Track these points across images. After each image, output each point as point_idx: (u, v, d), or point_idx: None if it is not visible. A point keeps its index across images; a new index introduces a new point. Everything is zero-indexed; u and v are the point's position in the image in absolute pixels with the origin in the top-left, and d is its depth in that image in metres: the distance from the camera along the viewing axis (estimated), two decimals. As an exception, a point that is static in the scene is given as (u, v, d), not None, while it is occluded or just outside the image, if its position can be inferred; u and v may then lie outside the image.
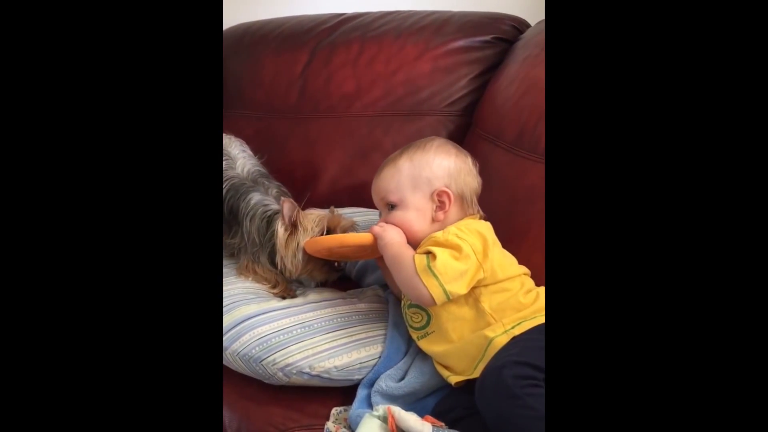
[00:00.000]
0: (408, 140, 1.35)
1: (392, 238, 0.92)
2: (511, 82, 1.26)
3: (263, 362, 0.90)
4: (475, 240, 0.87)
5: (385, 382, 0.90)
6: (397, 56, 1.41)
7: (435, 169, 0.95)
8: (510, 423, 0.69)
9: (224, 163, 1.17)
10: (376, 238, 0.93)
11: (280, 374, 0.90)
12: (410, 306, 0.93)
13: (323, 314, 0.96)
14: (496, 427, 0.72)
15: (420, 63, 1.39)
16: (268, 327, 0.92)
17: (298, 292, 1.08)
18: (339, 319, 0.96)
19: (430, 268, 0.84)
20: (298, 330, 0.92)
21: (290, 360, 0.90)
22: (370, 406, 0.89)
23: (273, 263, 1.05)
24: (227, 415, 0.95)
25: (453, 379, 0.87)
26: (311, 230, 1.01)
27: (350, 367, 0.91)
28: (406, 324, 0.95)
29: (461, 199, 0.96)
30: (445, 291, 0.83)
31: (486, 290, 0.87)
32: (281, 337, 0.91)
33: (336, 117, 1.43)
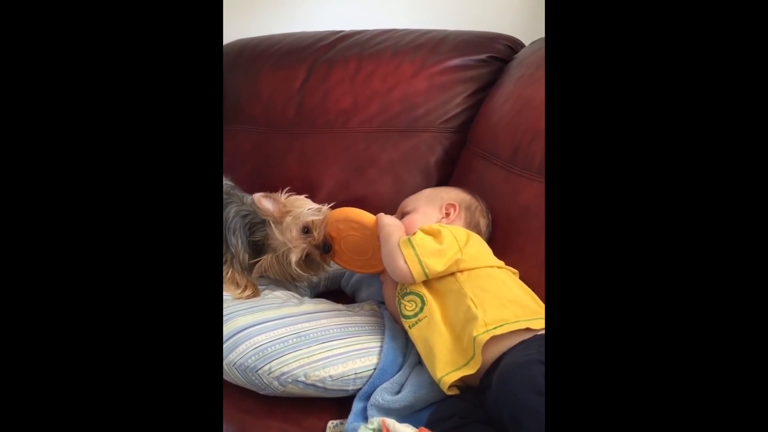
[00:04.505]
0: (404, 156, 1.39)
1: (390, 221, 1.02)
2: (506, 100, 1.28)
3: (259, 371, 0.90)
4: (459, 232, 0.98)
5: (382, 396, 0.90)
6: (394, 74, 1.43)
7: (451, 194, 1.13)
8: (535, 419, 0.68)
9: None
10: (377, 219, 1.02)
11: (275, 383, 0.90)
12: (405, 294, 0.97)
13: (319, 324, 0.96)
14: (515, 421, 0.72)
15: (416, 80, 1.41)
16: (264, 336, 0.92)
17: (292, 293, 1.11)
18: (335, 330, 0.96)
19: (409, 241, 0.94)
20: (294, 339, 0.92)
21: (285, 369, 0.89)
22: (366, 419, 0.88)
23: (249, 268, 1.10)
24: (224, 428, 0.94)
25: (443, 378, 0.87)
26: (303, 208, 1.07)
27: (345, 377, 0.91)
28: (399, 314, 0.97)
29: (469, 222, 1.09)
30: (420, 262, 0.92)
31: (469, 275, 0.94)
32: (277, 346, 0.91)
33: (333, 132, 1.44)
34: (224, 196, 1.15)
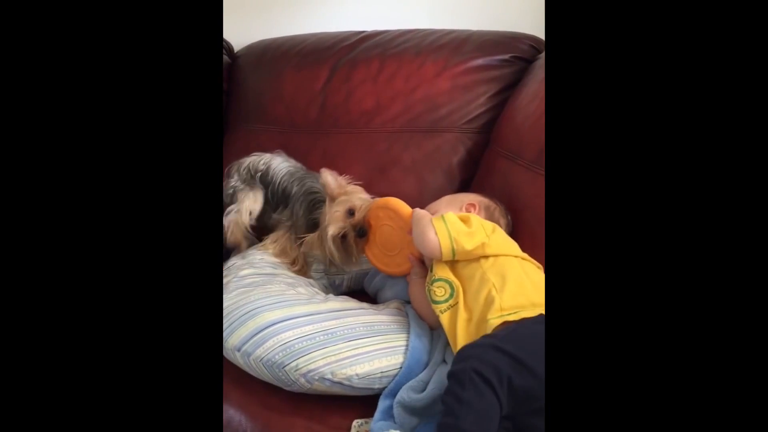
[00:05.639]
0: (426, 156, 1.38)
1: (425, 211, 1.05)
2: (530, 101, 1.27)
3: (286, 368, 0.90)
4: (486, 222, 1.01)
5: (407, 394, 0.89)
6: (417, 74, 1.43)
7: (470, 197, 1.15)
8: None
9: (279, 158, 1.31)
10: (413, 212, 1.04)
11: (302, 380, 0.90)
12: (434, 281, 0.97)
13: (346, 323, 0.96)
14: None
15: (439, 81, 1.41)
16: (292, 333, 0.92)
17: (316, 290, 1.14)
18: (362, 328, 0.95)
19: (442, 218, 0.97)
20: (321, 337, 0.92)
21: (312, 366, 0.90)
22: (392, 417, 0.88)
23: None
24: (249, 425, 0.94)
25: None
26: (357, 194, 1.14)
27: (371, 376, 0.91)
28: (430, 301, 0.98)
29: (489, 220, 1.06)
30: (450, 236, 0.94)
31: (494, 262, 0.95)
32: (304, 343, 0.91)
33: (356, 132, 1.45)
34: (302, 173, 1.27)
